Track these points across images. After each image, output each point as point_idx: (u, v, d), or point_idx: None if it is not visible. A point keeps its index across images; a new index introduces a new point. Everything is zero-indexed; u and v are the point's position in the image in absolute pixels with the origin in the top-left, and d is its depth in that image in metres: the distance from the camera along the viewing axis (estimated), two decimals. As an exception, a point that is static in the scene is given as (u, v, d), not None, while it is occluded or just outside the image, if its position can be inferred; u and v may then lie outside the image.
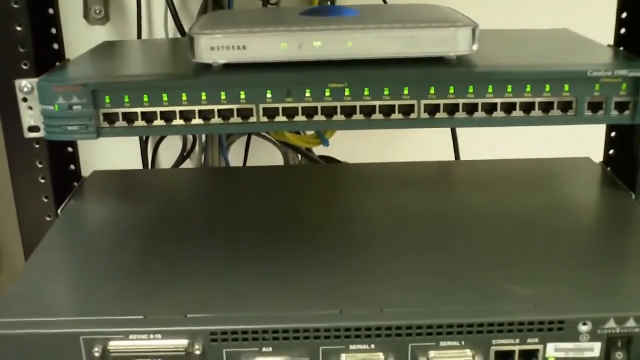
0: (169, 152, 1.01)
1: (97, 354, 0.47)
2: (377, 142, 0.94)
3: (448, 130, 0.91)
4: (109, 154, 0.95)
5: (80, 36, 0.88)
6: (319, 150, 0.93)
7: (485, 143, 0.88)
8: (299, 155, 0.94)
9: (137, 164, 0.98)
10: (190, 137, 0.98)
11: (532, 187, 0.70)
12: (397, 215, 0.65)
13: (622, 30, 0.67)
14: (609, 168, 0.72)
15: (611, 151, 0.71)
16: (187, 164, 1.00)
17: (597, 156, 0.74)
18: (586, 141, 0.75)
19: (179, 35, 0.93)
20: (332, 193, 0.72)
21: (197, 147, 0.96)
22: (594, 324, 0.48)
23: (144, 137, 0.97)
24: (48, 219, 0.64)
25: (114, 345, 0.47)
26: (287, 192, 0.73)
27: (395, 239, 0.61)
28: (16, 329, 0.48)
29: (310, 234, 0.62)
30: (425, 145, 0.94)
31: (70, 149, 0.69)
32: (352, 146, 0.92)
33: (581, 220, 0.63)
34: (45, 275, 0.55)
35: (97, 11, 0.97)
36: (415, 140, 0.97)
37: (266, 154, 0.97)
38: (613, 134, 0.71)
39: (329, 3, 0.93)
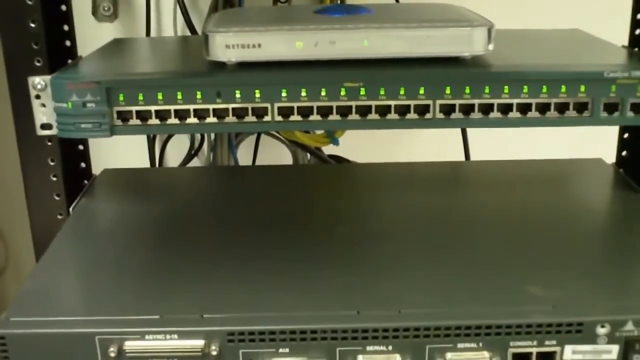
0: (176, 151, 1.01)
1: (112, 354, 0.47)
2: (386, 141, 0.94)
3: (458, 130, 0.91)
4: (116, 152, 0.94)
5: (88, 33, 0.87)
6: (328, 149, 0.93)
7: (495, 143, 0.87)
8: (309, 155, 0.94)
9: (145, 162, 0.97)
10: (197, 136, 0.98)
11: (545, 188, 0.70)
12: (411, 215, 0.65)
13: (638, 31, 0.67)
14: (621, 169, 0.72)
15: (624, 152, 0.71)
16: (195, 162, 0.99)
17: (607, 157, 0.74)
18: (596, 142, 0.75)
19: (188, 33, 0.93)
20: (343, 193, 0.72)
21: (205, 146, 0.95)
22: (613, 327, 0.48)
23: (151, 135, 0.97)
24: (59, 217, 0.64)
25: (130, 345, 0.47)
26: (298, 192, 0.72)
27: (410, 239, 0.61)
28: (30, 329, 0.47)
29: (324, 234, 0.62)
30: (435, 145, 0.93)
31: (81, 147, 0.69)
32: (361, 145, 0.92)
33: (596, 221, 0.63)
34: (59, 274, 0.55)
35: (106, 8, 0.97)
36: (425, 140, 0.97)
37: (275, 153, 0.97)
38: (626, 135, 0.71)
39: (338, 2, 0.92)
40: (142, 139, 0.97)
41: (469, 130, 0.91)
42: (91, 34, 0.82)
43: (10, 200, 0.95)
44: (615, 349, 0.49)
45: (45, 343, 0.47)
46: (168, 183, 0.74)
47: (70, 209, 0.64)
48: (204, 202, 0.70)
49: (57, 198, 0.63)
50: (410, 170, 0.76)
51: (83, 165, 0.69)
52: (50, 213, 0.63)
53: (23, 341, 0.47)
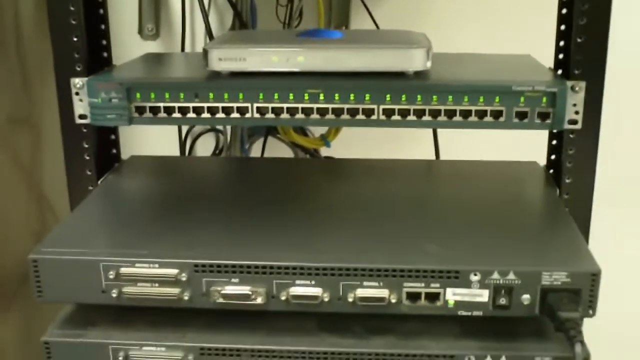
0: (203, 150, 1.20)
1: (111, 276, 0.64)
2: (375, 146, 1.09)
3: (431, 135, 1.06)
4: (151, 150, 1.13)
5: (135, 49, 1.06)
6: (324, 151, 1.10)
7: (465, 145, 1.01)
8: (307, 155, 1.11)
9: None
10: (221, 136, 1.16)
11: (479, 181, 0.84)
12: (368, 197, 0.80)
13: (560, 56, 0.81)
14: (551, 170, 0.86)
15: (553, 156, 0.85)
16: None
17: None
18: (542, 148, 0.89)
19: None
20: (324, 180, 0.89)
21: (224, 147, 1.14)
22: (483, 275, 0.62)
23: (183, 137, 1.16)
24: (90, 188, 0.82)
25: (124, 270, 0.64)
26: (290, 178, 0.89)
27: (356, 213, 0.76)
28: (54, 256, 0.65)
29: (294, 207, 0.78)
30: (414, 147, 1.08)
31: (113, 137, 0.87)
32: (350, 148, 1.08)
33: (503, 206, 0.78)
34: (79, 224, 0.73)
35: (150, 29, 1.16)
36: (404, 142, 1.12)
37: (280, 153, 1.14)
38: (554, 142, 0.85)
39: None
40: (175, 141, 1.15)
41: (442, 135, 1.06)
42: (138, 50, 1.00)
43: (63, 183, 1.15)
44: (485, 292, 0.63)
45: (64, 266, 0.65)
46: (183, 166, 0.93)
47: (99, 182, 0.83)
48: (211, 181, 0.88)
49: (89, 173, 0.81)
50: (383, 164, 0.92)
51: (114, 151, 0.87)
52: (83, 184, 0.81)
53: (48, 264, 0.65)
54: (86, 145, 0.81)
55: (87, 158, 0.81)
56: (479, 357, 0.64)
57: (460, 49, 0.87)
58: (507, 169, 0.88)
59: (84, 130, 0.80)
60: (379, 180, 0.86)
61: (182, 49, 1.14)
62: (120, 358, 0.66)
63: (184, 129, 1.16)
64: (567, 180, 0.79)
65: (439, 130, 1.07)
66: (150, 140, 1.15)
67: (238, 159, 1.12)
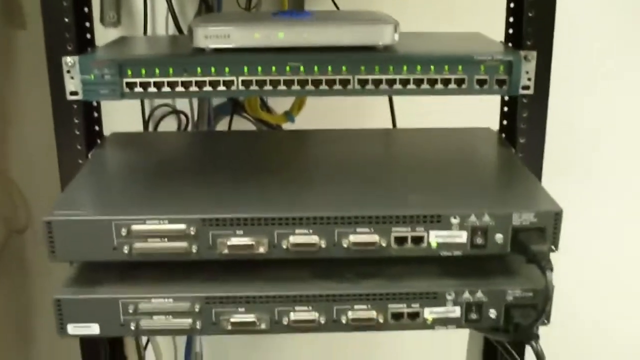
0: (167, 129, 1.24)
1: (123, 234, 0.69)
2: (334, 120, 1.16)
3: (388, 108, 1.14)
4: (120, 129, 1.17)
5: (96, 37, 1.10)
6: (286, 126, 1.17)
7: (418, 116, 1.09)
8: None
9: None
10: (183, 118, 1.21)
11: (443, 144, 0.93)
12: (343, 160, 0.88)
13: (510, 31, 0.90)
14: (503, 135, 0.95)
15: (504, 122, 0.94)
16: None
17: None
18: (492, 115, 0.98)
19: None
20: (297, 147, 0.96)
21: (189, 125, 1.19)
22: (461, 218, 0.70)
23: (146, 117, 1.20)
24: (80, 162, 0.86)
25: (135, 228, 0.69)
26: (268, 146, 0.97)
27: (338, 172, 0.83)
28: (67, 217, 0.70)
29: (275, 169, 0.85)
30: (371, 120, 1.16)
31: (95, 114, 0.91)
32: (313, 123, 1.15)
33: (469, 163, 0.87)
34: (85, 190, 0.78)
35: (111, 17, 1.20)
36: (363, 116, 1.19)
37: (245, 129, 1.20)
38: (505, 108, 0.94)
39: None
40: (139, 120, 1.20)
41: (399, 104, 1.14)
42: (99, 38, 1.04)
43: (32, 167, 1.17)
44: (464, 234, 0.71)
45: (77, 227, 0.69)
46: (162, 141, 0.98)
47: (89, 155, 0.87)
48: (195, 151, 0.94)
49: (79, 147, 0.85)
50: (352, 133, 0.99)
51: (97, 128, 0.92)
52: (73, 158, 0.85)
53: (62, 225, 0.69)
54: (76, 121, 0.85)
55: (77, 133, 0.85)
56: (458, 293, 0.72)
57: (413, 29, 0.95)
58: (464, 134, 0.96)
59: (74, 107, 0.84)
60: (351, 147, 0.93)
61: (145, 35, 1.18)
62: (130, 311, 0.71)
63: (147, 112, 1.20)
64: (522, 141, 0.88)
65: (395, 103, 1.15)
66: (114, 124, 1.19)
67: (216, 132, 1.18)
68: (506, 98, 0.93)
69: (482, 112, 0.95)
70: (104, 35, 1.18)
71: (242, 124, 1.18)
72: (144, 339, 1.28)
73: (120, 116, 1.19)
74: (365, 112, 1.16)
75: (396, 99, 1.14)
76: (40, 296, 1.26)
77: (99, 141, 0.92)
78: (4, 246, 1.13)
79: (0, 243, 1.12)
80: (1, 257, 1.12)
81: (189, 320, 0.71)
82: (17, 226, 1.18)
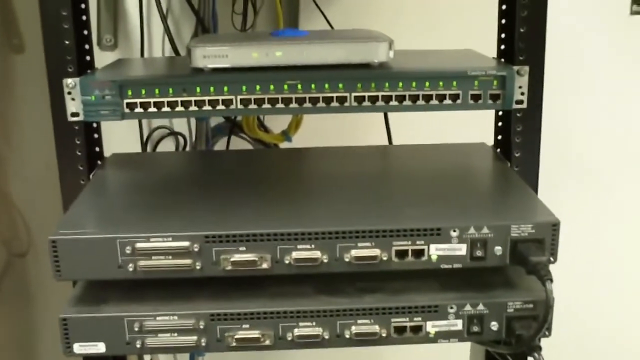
0: (165, 150, 1.25)
1: (128, 252, 0.70)
2: (330, 140, 1.17)
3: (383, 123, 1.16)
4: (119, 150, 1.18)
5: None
6: (284, 145, 1.18)
7: (413, 131, 1.11)
8: (269, 150, 1.19)
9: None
10: (181, 139, 1.22)
11: (440, 159, 0.94)
12: (337, 177, 0.89)
13: (502, 47, 0.92)
14: (498, 149, 0.96)
15: (499, 137, 0.96)
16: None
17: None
18: (484, 131, 0.99)
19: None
20: (297, 164, 0.97)
21: (187, 146, 1.20)
22: (461, 231, 0.71)
23: (144, 139, 1.21)
24: (82, 182, 0.87)
25: (140, 245, 0.70)
26: (267, 163, 0.98)
27: (338, 188, 0.84)
28: (72, 236, 0.70)
29: (277, 186, 0.86)
30: (367, 137, 1.17)
31: (96, 135, 0.92)
32: (309, 142, 1.16)
33: (466, 177, 0.88)
34: (88, 209, 0.79)
35: (108, 40, 1.21)
36: (359, 134, 1.21)
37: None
38: (500, 123, 0.95)
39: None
40: (137, 142, 1.21)
41: (394, 121, 1.15)
42: (96, 60, 1.06)
43: (33, 191, 1.18)
44: (463, 247, 0.72)
45: (82, 245, 0.70)
46: (163, 161, 0.99)
47: (91, 176, 0.88)
48: (196, 170, 0.95)
49: (81, 168, 0.86)
50: (350, 150, 1.00)
51: (97, 149, 0.92)
52: (75, 179, 0.86)
53: (66, 244, 0.70)
54: (78, 142, 0.86)
55: (79, 154, 0.86)
56: (459, 306, 0.73)
57: (405, 47, 0.96)
58: (460, 149, 0.98)
59: (76, 128, 0.85)
60: (349, 163, 0.94)
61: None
62: (136, 329, 0.71)
63: (145, 133, 1.22)
64: (517, 154, 0.89)
65: (392, 121, 1.16)
66: (113, 146, 1.20)
67: (215, 151, 1.19)
68: (500, 113, 0.94)
69: (474, 128, 0.97)
70: (100, 58, 1.19)
71: (239, 144, 1.20)
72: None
73: (118, 139, 1.20)
74: (360, 130, 1.18)
75: (391, 115, 1.16)
76: (42, 319, 1.26)
77: (99, 162, 0.93)
78: (5, 270, 1.14)
79: (1, 267, 1.12)
80: (3, 280, 1.12)
81: (194, 338, 0.72)
82: (18, 250, 1.18)
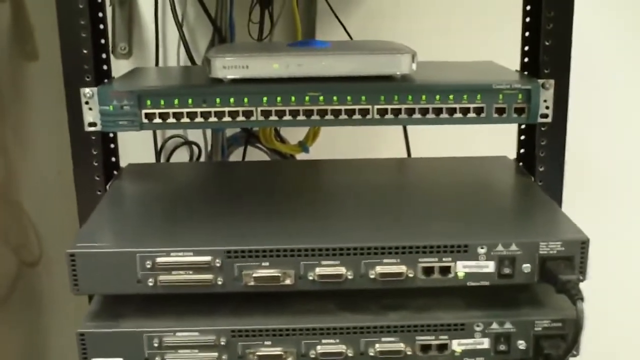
0: (179, 160, 1.24)
1: (148, 266, 0.69)
2: (348, 150, 1.16)
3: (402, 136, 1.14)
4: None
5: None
6: (300, 157, 1.17)
7: (433, 144, 1.09)
8: (285, 161, 1.17)
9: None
10: (196, 149, 1.20)
11: (463, 173, 0.93)
12: (358, 190, 0.88)
13: (526, 59, 0.91)
14: (520, 163, 0.95)
15: (522, 150, 0.94)
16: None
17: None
18: (506, 144, 0.98)
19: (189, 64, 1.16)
20: (317, 176, 0.96)
21: (202, 156, 1.18)
22: (489, 248, 0.70)
23: (159, 148, 1.19)
24: (99, 193, 0.85)
25: (160, 260, 0.69)
26: (287, 175, 0.97)
27: (361, 202, 0.83)
28: (91, 249, 0.69)
29: (296, 199, 0.84)
30: (386, 149, 1.16)
31: (112, 145, 0.91)
32: (326, 153, 1.14)
33: (492, 191, 0.87)
34: (107, 222, 0.77)
35: (123, 48, 1.20)
36: (378, 145, 1.20)
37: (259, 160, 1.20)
38: (522, 137, 0.94)
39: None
40: (151, 152, 1.19)
41: (412, 134, 1.14)
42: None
43: (44, 199, 1.17)
44: (491, 264, 0.70)
45: (101, 259, 0.68)
46: (180, 172, 0.98)
47: (107, 186, 0.86)
48: (214, 181, 0.94)
49: (97, 178, 0.85)
50: (370, 163, 0.99)
51: (113, 159, 0.91)
52: (92, 189, 0.85)
53: (85, 257, 0.68)
54: (94, 152, 0.85)
55: (96, 164, 0.85)
56: (486, 324, 0.71)
57: (423, 57, 0.95)
58: (482, 162, 0.96)
59: (93, 138, 0.84)
60: (370, 176, 0.93)
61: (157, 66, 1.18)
62: (155, 345, 0.70)
63: (159, 142, 1.20)
64: (541, 169, 0.88)
65: (409, 133, 1.15)
66: (126, 156, 1.19)
67: (233, 162, 1.18)
68: (523, 126, 0.93)
69: (489, 140, 0.96)
70: (115, 66, 1.18)
71: (255, 154, 1.18)
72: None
73: (132, 148, 1.18)
74: (378, 142, 1.17)
75: (409, 127, 1.14)
76: (54, 330, 1.24)
77: (116, 172, 0.91)
78: (16, 279, 1.12)
79: (12, 275, 1.11)
80: (13, 290, 1.10)
81: (215, 354, 0.70)
82: (29, 258, 1.16)
